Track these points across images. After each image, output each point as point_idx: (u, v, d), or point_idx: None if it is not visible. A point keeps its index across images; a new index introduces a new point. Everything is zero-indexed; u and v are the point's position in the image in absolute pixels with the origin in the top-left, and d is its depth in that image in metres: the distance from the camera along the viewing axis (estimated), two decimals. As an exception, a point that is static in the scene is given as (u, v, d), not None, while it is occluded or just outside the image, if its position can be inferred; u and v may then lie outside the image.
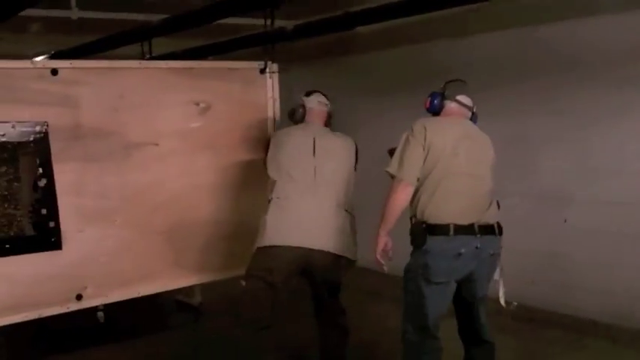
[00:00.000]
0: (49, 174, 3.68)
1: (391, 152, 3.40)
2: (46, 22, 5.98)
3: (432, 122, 3.37)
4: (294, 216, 3.62)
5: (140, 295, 4.09)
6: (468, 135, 3.36)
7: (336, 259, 3.66)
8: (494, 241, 3.30)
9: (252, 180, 4.24)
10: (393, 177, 3.31)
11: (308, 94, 3.98)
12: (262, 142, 4.24)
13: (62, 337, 5.17)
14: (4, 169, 3.59)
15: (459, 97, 3.46)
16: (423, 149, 3.24)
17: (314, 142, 3.76)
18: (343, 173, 3.79)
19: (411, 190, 3.26)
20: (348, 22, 4.82)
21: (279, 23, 4.61)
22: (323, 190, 3.67)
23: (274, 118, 4.48)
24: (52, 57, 6.12)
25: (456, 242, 3.18)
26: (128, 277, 4.02)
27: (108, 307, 5.19)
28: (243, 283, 3.74)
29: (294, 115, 3.97)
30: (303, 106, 3.93)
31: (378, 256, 3.37)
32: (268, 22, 4.33)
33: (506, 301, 3.52)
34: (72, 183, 3.76)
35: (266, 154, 3.93)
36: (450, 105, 3.45)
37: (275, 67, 4.47)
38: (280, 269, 3.60)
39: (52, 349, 4.97)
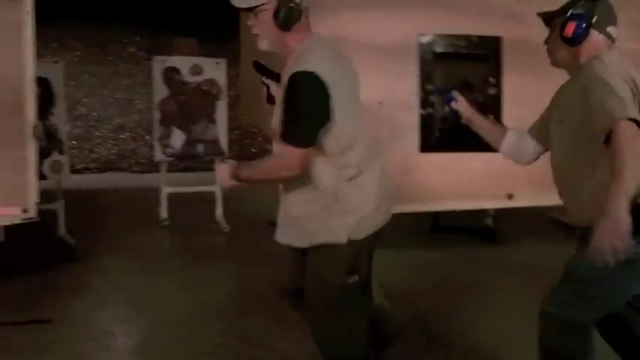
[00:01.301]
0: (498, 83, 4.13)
1: None
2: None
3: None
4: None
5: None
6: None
7: None
8: None
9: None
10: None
11: None
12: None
13: (453, 233, 5.88)
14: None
15: (610, 29, 2.38)
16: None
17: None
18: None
19: None
20: None
21: None
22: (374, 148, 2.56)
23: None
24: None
25: None
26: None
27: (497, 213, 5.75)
28: None
29: (288, 17, 2.29)
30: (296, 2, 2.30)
31: (616, 242, 1.97)
32: None
33: None
34: (515, 92, 4.15)
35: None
36: (597, 37, 2.35)
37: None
38: None
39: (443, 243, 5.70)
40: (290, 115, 2.25)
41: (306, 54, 2.28)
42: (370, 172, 2.41)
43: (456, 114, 2.70)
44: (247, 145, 10.73)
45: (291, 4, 2.27)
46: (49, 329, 3.67)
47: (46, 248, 5.39)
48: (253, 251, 5.42)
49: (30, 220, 3.70)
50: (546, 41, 2.46)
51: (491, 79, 4.55)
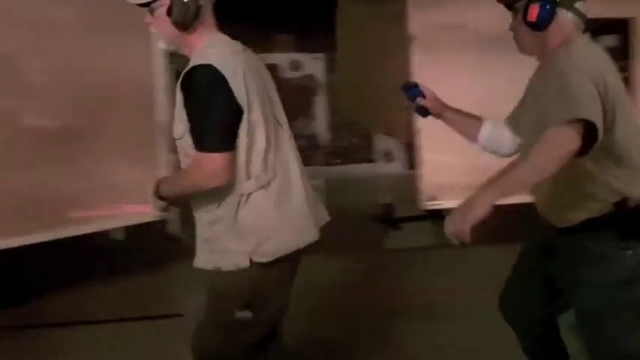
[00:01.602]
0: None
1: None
2: None
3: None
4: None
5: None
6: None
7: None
8: None
9: None
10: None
11: None
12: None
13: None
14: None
15: (579, 4, 2.09)
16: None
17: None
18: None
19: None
20: None
21: None
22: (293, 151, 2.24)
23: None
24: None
25: None
26: None
27: None
28: None
29: (182, 14, 2.04)
30: None
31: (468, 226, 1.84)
32: None
33: None
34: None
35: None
36: (565, 17, 2.07)
37: None
38: None
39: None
40: (195, 118, 1.97)
41: (204, 50, 2.04)
42: (275, 184, 2.06)
43: (424, 110, 2.37)
44: (347, 138, 10.75)
45: (185, 0, 2.01)
46: (178, 323, 3.75)
47: (161, 245, 5.53)
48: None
49: (158, 219, 3.78)
50: (511, 27, 2.17)
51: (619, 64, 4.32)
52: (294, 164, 2.15)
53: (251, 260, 2.01)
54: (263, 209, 2.04)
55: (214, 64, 1.95)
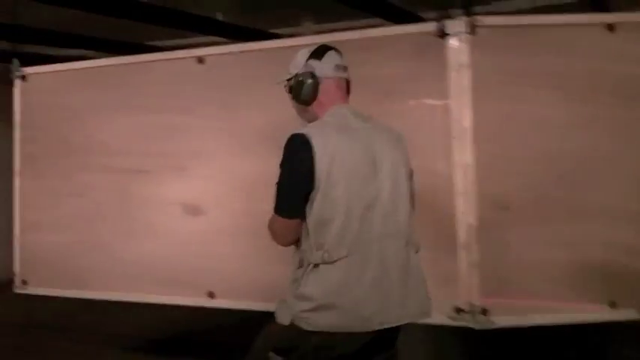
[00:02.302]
0: None
1: None
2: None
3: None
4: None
5: None
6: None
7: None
8: None
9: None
10: None
11: (317, 52, 2.28)
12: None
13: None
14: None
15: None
16: None
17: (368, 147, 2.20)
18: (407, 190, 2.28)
19: None
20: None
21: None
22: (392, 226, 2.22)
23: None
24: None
25: None
26: None
27: None
28: None
29: (301, 93, 2.26)
30: (313, 75, 2.25)
31: None
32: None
33: None
34: None
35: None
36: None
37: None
38: None
39: None
40: (278, 179, 2.13)
41: (317, 122, 2.20)
42: (345, 263, 2.07)
43: None
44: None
45: (300, 79, 2.22)
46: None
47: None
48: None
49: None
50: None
51: None
52: (388, 250, 2.13)
53: (293, 322, 2.09)
54: (325, 283, 2.07)
55: (307, 135, 2.07)
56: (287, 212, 2.11)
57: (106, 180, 3.64)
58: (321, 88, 2.22)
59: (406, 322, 2.14)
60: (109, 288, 3.60)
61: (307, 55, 2.25)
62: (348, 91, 2.30)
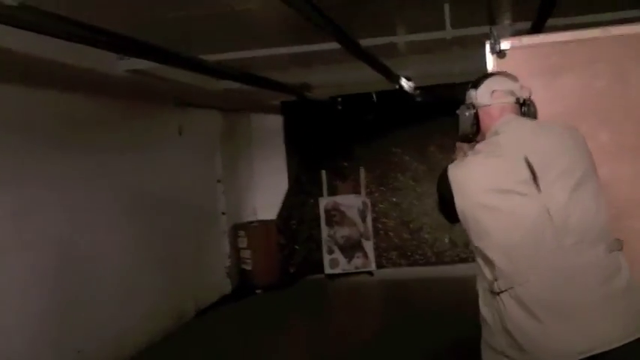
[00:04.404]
0: None
1: None
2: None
3: None
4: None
5: None
6: None
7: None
8: None
9: None
10: None
11: (475, 82, 2.27)
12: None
13: None
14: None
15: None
16: None
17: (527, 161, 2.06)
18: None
19: None
20: None
21: None
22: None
23: None
24: None
25: None
26: None
27: None
28: None
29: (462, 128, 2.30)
30: (472, 107, 2.25)
31: None
32: None
33: None
34: None
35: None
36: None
37: None
38: None
39: None
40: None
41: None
42: (520, 291, 1.93)
43: None
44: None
45: (456, 114, 2.25)
46: None
47: None
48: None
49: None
50: None
51: None
52: (587, 267, 1.93)
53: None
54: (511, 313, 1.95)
55: (449, 170, 2.14)
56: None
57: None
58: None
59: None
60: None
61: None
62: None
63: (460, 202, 2.05)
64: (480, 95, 2.19)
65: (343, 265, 8.07)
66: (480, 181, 2.04)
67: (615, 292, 1.91)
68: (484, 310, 2.04)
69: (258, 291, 7.54)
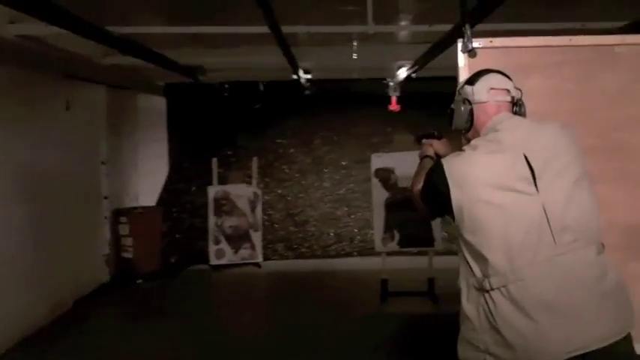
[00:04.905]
0: None
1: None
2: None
3: None
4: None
5: None
6: None
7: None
8: None
9: None
10: None
11: (472, 79, 2.29)
12: None
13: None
14: None
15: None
16: None
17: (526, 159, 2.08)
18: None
19: None
20: None
21: None
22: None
23: None
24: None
25: None
26: None
27: None
28: None
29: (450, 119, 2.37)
30: (468, 103, 2.27)
31: None
32: None
33: None
34: None
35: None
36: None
37: None
38: None
39: None
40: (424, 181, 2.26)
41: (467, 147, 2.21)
42: (514, 289, 1.94)
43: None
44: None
45: (450, 109, 2.32)
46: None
47: None
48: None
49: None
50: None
51: None
52: (581, 263, 1.96)
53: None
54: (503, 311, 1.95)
55: (446, 164, 2.13)
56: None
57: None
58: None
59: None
60: None
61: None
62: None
63: (459, 196, 2.03)
64: (477, 92, 2.22)
65: (229, 256, 7.88)
66: (481, 175, 2.03)
67: (606, 291, 1.96)
68: (468, 307, 2.02)
69: (139, 281, 7.18)
